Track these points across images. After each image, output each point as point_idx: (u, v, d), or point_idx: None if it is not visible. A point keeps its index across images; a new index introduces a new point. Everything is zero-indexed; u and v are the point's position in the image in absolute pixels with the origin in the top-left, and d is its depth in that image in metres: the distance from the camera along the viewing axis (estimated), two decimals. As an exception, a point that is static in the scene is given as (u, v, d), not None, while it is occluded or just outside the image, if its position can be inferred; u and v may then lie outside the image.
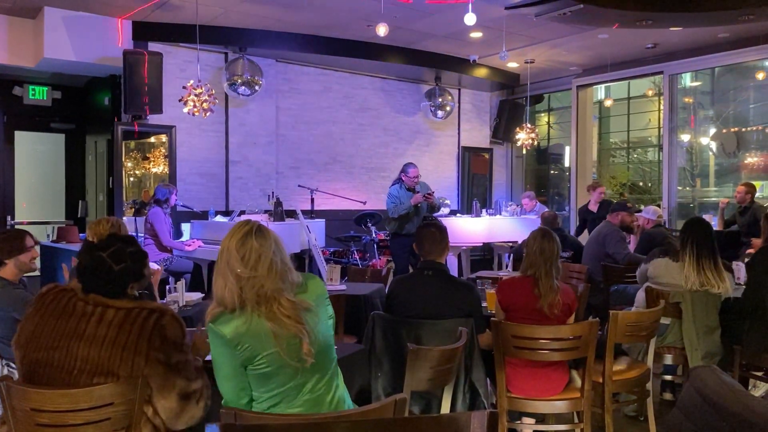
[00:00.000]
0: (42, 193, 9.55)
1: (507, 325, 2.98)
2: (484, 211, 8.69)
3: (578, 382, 3.13)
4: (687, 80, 10.20)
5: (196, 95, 6.56)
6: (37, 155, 9.68)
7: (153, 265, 4.24)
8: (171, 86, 7.41)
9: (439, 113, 10.18)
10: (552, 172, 12.56)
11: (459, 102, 10.79)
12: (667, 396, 4.13)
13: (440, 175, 10.47)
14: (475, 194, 10.88)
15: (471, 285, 3.34)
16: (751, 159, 9.54)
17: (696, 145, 10.29)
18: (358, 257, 7.85)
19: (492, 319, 3.04)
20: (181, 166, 8.06)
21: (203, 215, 7.30)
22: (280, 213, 6.88)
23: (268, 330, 2.01)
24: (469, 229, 8.16)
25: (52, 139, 9.56)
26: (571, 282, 4.76)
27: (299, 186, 8.23)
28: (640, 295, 3.97)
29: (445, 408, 2.77)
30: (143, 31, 7.64)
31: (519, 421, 3.28)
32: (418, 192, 6.74)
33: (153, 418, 2.04)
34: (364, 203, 8.46)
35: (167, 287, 4.01)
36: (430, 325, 3.02)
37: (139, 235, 6.39)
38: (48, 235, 8.06)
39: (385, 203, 6.95)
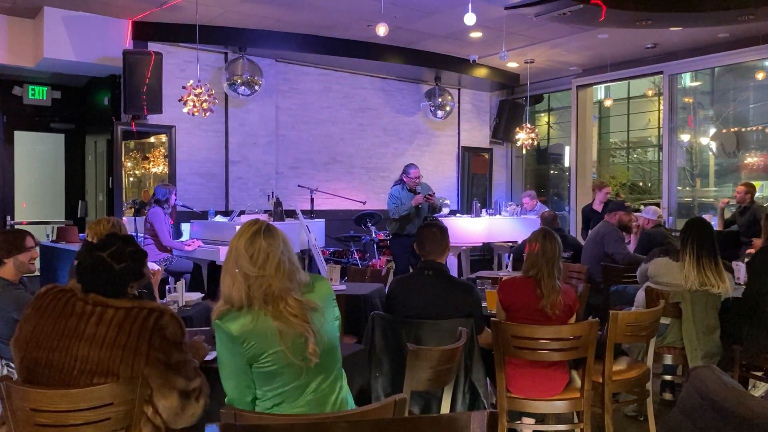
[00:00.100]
0: (42, 193, 9.55)
1: (507, 325, 2.98)
2: (483, 211, 8.69)
3: (578, 382, 3.13)
4: (687, 80, 10.20)
5: (195, 95, 6.56)
6: (37, 155, 9.68)
7: (153, 266, 4.25)
8: (171, 86, 7.41)
9: (439, 113, 10.18)
10: (552, 172, 12.57)
11: (459, 102, 10.79)
12: (667, 396, 4.13)
13: (440, 175, 10.47)
14: (475, 194, 10.87)
15: (471, 285, 3.33)
16: (751, 159, 9.54)
17: (696, 145, 10.29)
18: (357, 257, 7.86)
19: (492, 319, 3.04)
20: (180, 166, 8.06)
21: (203, 215, 7.31)
22: (279, 213, 6.88)
23: (274, 328, 2.02)
24: (468, 229, 8.16)
25: (52, 139, 9.56)
26: (570, 282, 4.76)
27: (299, 186, 8.23)
28: (640, 295, 3.98)
29: (445, 408, 2.77)
30: (143, 31, 7.64)
31: (519, 421, 3.28)
32: (419, 193, 6.75)
33: (153, 418, 2.04)
34: (364, 203, 8.46)
35: (167, 287, 4.02)
36: (430, 325, 3.02)
37: (139, 235, 6.39)
38: (48, 235, 8.06)
39: (384, 203, 6.96)
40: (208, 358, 2.54)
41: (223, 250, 6.31)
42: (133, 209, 7.70)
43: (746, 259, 4.53)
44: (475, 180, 11.19)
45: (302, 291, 2.12)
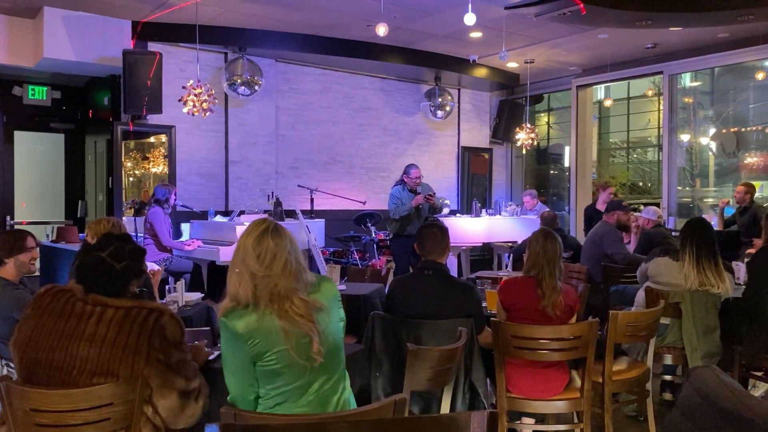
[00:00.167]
0: (41, 193, 9.55)
1: (507, 325, 2.98)
2: (483, 211, 8.69)
3: (578, 382, 3.13)
4: (687, 80, 10.21)
5: (195, 95, 6.56)
6: (37, 155, 9.67)
7: (153, 266, 4.25)
8: (171, 86, 7.41)
9: (439, 113, 10.18)
10: (552, 172, 12.57)
11: (459, 102, 10.79)
12: (667, 396, 4.13)
13: (440, 175, 10.47)
14: (475, 194, 10.88)
15: (471, 285, 3.33)
16: (751, 159, 9.54)
17: (696, 145, 10.29)
18: (357, 257, 7.86)
19: (492, 319, 3.04)
20: (180, 166, 8.06)
21: (203, 215, 7.31)
22: (279, 213, 6.88)
23: (279, 327, 2.03)
24: (468, 229, 8.16)
25: (52, 139, 9.55)
26: (570, 282, 4.75)
27: (299, 186, 8.23)
28: (640, 295, 3.97)
29: (445, 408, 2.77)
30: (143, 31, 7.64)
31: (519, 421, 3.28)
32: (419, 193, 6.76)
33: (153, 418, 2.04)
34: (364, 203, 8.46)
35: (167, 287, 4.02)
36: (430, 325, 3.02)
37: (139, 235, 6.39)
38: (47, 235, 8.05)
39: (384, 203, 6.97)
40: (211, 357, 2.54)
41: (223, 250, 6.35)
42: (132, 209, 7.70)
43: (746, 259, 4.53)
44: (475, 180, 11.19)
45: (308, 291, 2.13)
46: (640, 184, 13.81)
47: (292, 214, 7.37)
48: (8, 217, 8.49)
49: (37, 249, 3.57)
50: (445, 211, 8.74)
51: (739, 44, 8.24)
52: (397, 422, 1.68)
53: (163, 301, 3.67)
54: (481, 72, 9.98)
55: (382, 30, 6.21)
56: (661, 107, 10.06)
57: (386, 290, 3.82)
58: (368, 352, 3.03)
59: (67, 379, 1.97)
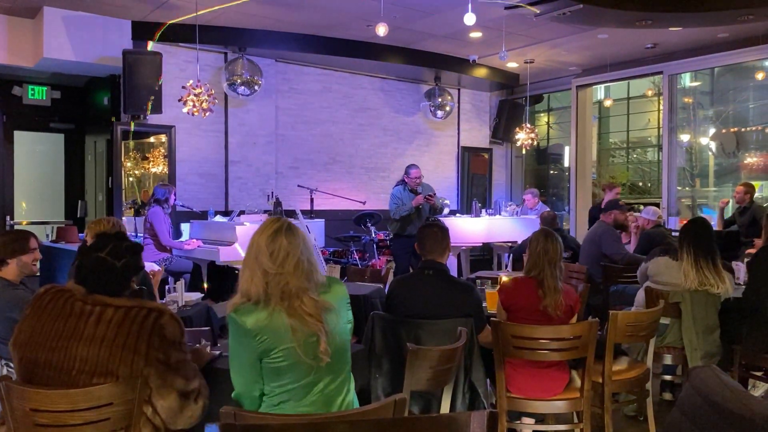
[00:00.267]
0: (41, 193, 9.55)
1: (507, 325, 2.98)
2: (483, 211, 8.69)
3: (578, 382, 3.13)
4: (687, 80, 10.21)
5: (195, 95, 6.55)
6: (37, 155, 9.67)
7: (153, 266, 4.25)
8: (170, 86, 7.41)
9: (439, 113, 10.18)
10: (551, 172, 12.58)
11: (459, 102, 10.79)
12: (667, 396, 4.14)
13: (440, 175, 10.47)
14: (475, 194, 10.88)
15: (471, 285, 3.34)
16: (751, 159, 9.55)
17: (695, 145, 10.29)
18: (357, 257, 7.86)
19: (492, 319, 3.04)
20: (180, 166, 8.06)
21: (203, 215, 7.31)
22: (279, 213, 6.88)
23: (287, 325, 2.05)
24: (468, 229, 8.16)
25: (52, 139, 9.55)
26: (570, 282, 4.75)
27: (299, 186, 8.23)
28: (640, 295, 3.97)
29: (445, 408, 2.77)
30: (143, 31, 7.64)
31: (519, 421, 3.28)
32: (420, 193, 6.77)
33: (153, 418, 2.04)
34: (364, 203, 8.46)
35: (167, 287, 4.02)
36: (430, 325, 3.02)
37: (139, 235, 6.39)
38: (47, 235, 8.05)
39: (384, 203, 6.98)
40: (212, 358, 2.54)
41: (223, 250, 6.36)
42: (132, 209, 7.69)
43: (746, 259, 4.53)
44: (475, 180, 11.19)
45: (319, 291, 2.15)
46: (640, 184, 13.81)
47: (292, 214, 7.36)
48: (8, 217, 8.49)
49: (38, 250, 3.57)
50: (445, 211, 8.75)
51: (739, 44, 8.24)
52: (397, 422, 1.68)
53: (163, 301, 3.67)
54: (481, 72, 9.97)
55: (382, 30, 6.22)
56: (661, 107, 10.06)
57: (386, 290, 3.82)
58: (368, 352, 3.03)
59: (66, 379, 1.97)
